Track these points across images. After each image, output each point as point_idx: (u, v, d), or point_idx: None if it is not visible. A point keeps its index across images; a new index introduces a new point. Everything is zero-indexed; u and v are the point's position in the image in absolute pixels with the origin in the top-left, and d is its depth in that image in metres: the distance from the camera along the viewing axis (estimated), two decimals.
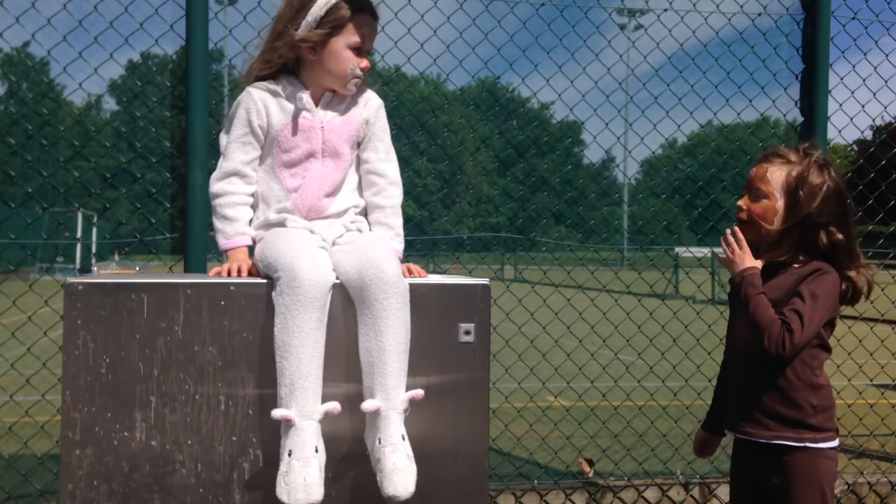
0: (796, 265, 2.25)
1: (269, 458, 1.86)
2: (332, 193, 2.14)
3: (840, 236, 2.23)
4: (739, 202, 2.34)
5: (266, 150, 2.14)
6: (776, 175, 2.26)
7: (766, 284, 2.24)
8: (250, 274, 2.03)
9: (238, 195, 2.12)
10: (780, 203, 2.25)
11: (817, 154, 2.30)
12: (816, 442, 2.19)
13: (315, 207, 2.11)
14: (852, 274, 2.25)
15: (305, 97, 2.11)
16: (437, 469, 1.94)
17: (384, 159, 2.22)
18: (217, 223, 2.13)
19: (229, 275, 2.02)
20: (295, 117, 2.11)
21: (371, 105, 2.21)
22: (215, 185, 2.13)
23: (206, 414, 1.85)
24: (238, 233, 2.10)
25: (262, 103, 2.10)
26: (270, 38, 2.14)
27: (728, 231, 2.27)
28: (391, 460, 1.77)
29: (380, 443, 1.80)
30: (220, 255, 2.18)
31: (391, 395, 1.83)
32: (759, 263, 2.24)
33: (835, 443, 2.23)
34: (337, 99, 2.17)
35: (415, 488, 1.77)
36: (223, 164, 2.13)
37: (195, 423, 1.85)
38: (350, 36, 2.09)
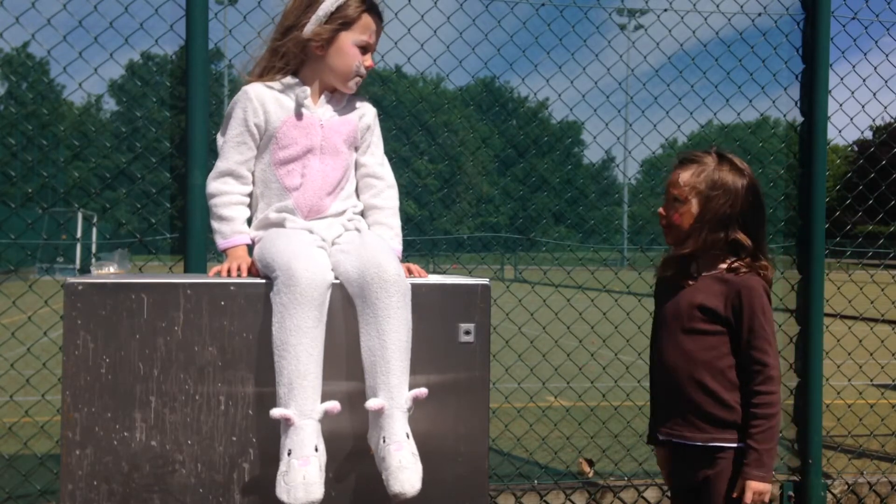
0: (722, 265, 2.30)
1: (269, 457, 1.86)
2: (332, 193, 2.15)
3: (754, 230, 2.31)
4: (660, 209, 2.42)
5: (263, 147, 2.15)
6: (687, 179, 2.32)
7: (696, 287, 2.30)
8: (250, 273, 2.04)
9: (233, 195, 2.13)
10: (693, 205, 2.31)
11: (730, 155, 2.37)
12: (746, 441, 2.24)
13: (316, 207, 2.11)
14: (763, 263, 2.31)
15: (307, 91, 2.12)
16: (437, 469, 1.94)
17: (381, 164, 2.28)
18: (214, 224, 2.14)
19: (229, 274, 2.02)
20: (295, 113, 2.12)
21: (370, 112, 2.27)
22: (211, 186, 2.14)
23: (206, 414, 1.85)
24: (235, 231, 2.11)
25: (258, 101, 2.11)
26: (277, 35, 2.15)
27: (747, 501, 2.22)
28: (397, 458, 1.77)
29: (384, 441, 1.80)
30: (220, 255, 2.17)
31: (395, 393, 1.82)
32: (766, 485, 2.20)
33: None
34: (335, 99, 2.18)
35: (421, 486, 1.77)
36: (218, 164, 2.14)
37: (195, 423, 1.85)
38: (358, 33, 2.12)
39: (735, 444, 2.24)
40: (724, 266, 2.30)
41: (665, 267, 2.42)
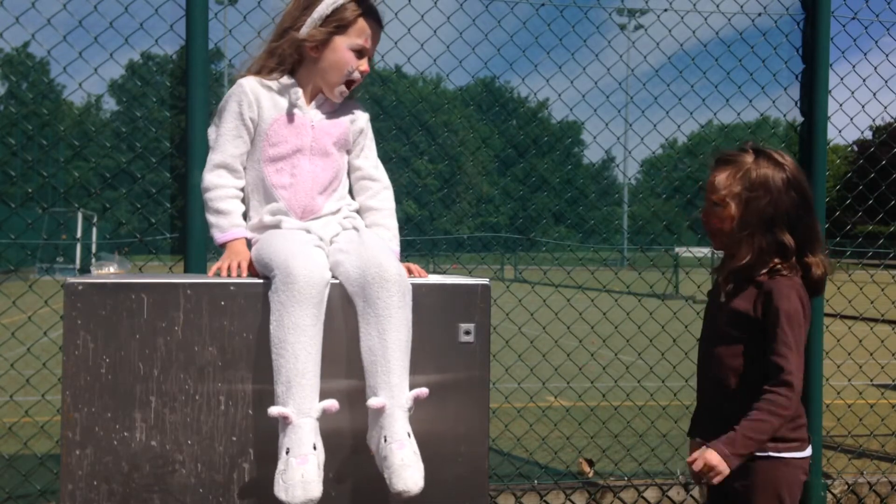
0: (764, 271, 2.20)
1: (269, 457, 1.85)
2: (324, 193, 2.15)
3: (800, 228, 2.20)
4: (701, 214, 2.33)
5: (254, 143, 2.15)
6: (724, 181, 2.24)
7: (736, 298, 2.22)
8: (249, 272, 2.03)
9: (228, 188, 2.13)
10: (732, 208, 2.23)
11: (768, 149, 2.26)
12: (780, 451, 2.17)
13: (309, 207, 2.11)
14: (812, 261, 2.21)
15: (299, 92, 2.12)
16: (437, 469, 1.93)
17: (375, 166, 2.29)
18: (211, 217, 2.13)
19: (229, 273, 2.02)
20: (287, 112, 2.12)
21: (362, 116, 2.27)
22: (206, 179, 2.14)
23: (206, 414, 1.85)
24: (233, 225, 2.11)
25: (253, 95, 2.11)
26: (275, 36, 2.15)
27: (688, 463, 2.15)
28: (399, 456, 1.77)
29: (386, 440, 1.80)
30: (220, 253, 2.17)
31: (395, 392, 1.82)
32: (722, 464, 2.08)
33: (802, 453, 2.20)
34: (329, 102, 2.19)
35: (423, 484, 1.77)
36: (213, 157, 2.13)
37: (195, 423, 1.85)
38: (353, 37, 2.11)
39: (764, 454, 2.15)
40: (764, 271, 2.19)
41: (715, 272, 2.36)
